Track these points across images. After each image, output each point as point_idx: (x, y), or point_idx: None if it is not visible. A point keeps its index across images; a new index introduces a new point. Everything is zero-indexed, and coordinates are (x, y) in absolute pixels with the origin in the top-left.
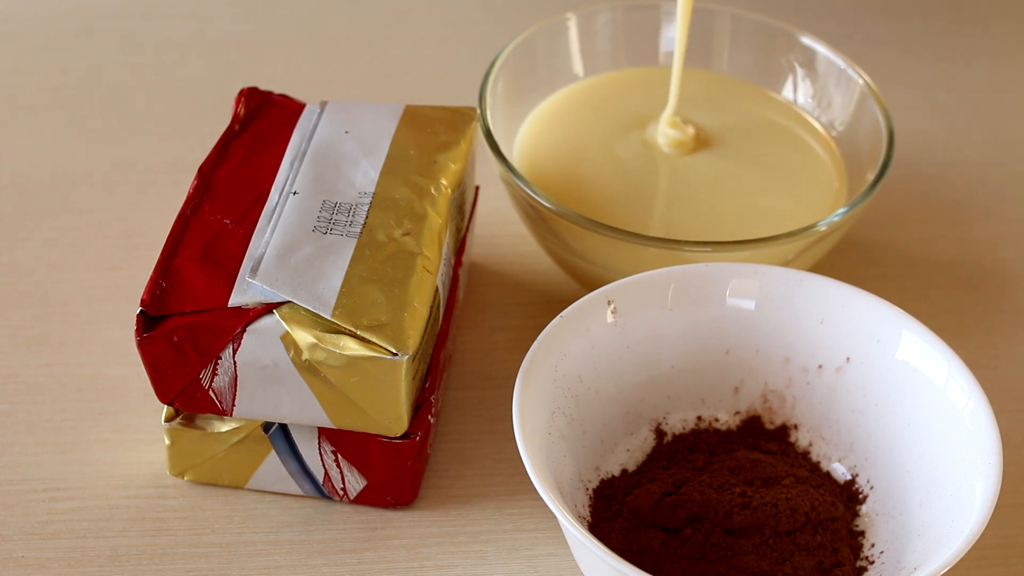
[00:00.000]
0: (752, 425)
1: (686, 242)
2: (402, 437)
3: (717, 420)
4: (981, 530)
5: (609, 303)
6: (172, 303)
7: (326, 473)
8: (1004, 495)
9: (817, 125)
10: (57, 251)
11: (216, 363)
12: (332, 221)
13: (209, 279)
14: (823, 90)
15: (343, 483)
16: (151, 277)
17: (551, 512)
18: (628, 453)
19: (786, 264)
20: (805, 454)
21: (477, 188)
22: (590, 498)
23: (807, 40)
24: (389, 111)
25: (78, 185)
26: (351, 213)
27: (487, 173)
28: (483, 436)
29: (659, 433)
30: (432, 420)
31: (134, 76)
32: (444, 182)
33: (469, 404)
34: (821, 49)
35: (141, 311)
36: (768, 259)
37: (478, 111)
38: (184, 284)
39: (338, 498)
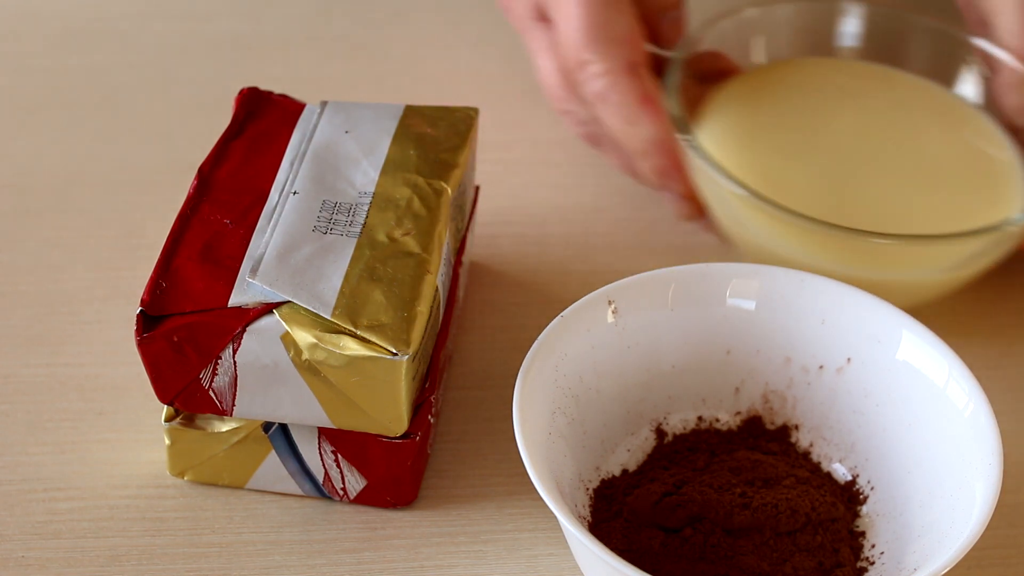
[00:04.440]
0: (753, 425)
1: (875, 233)
2: (402, 437)
3: (718, 420)
4: (981, 531)
5: (610, 303)
6: (172, 303)
7: (326, 473)
8: (1004, 495)
9: (999, 125)
10: (57, 251)
11: (216, 363)
12: (332, 221)
13: (209, 279)
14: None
15: (343, 483)
16: (151, 277)
17: (551, 512)
18: (629, 453)
19: (958, 268)
20: (806, 455)
21: (477, 188)
22: (590, 498)
23: (980, 43)
24: (389, 111)
25: (78, 185)
26: (351, 213)
27: (487, 173)
28: (483, 436)
29: (660, 433)
30: (432, 420)
31: (134, 76)
32: (444, 182)
33: (469, 404)
34: (997, 52)
35: (141, 311)
36: (941, 258)
37: (477, 111)
38: (184, 284)
39: (338, 498)
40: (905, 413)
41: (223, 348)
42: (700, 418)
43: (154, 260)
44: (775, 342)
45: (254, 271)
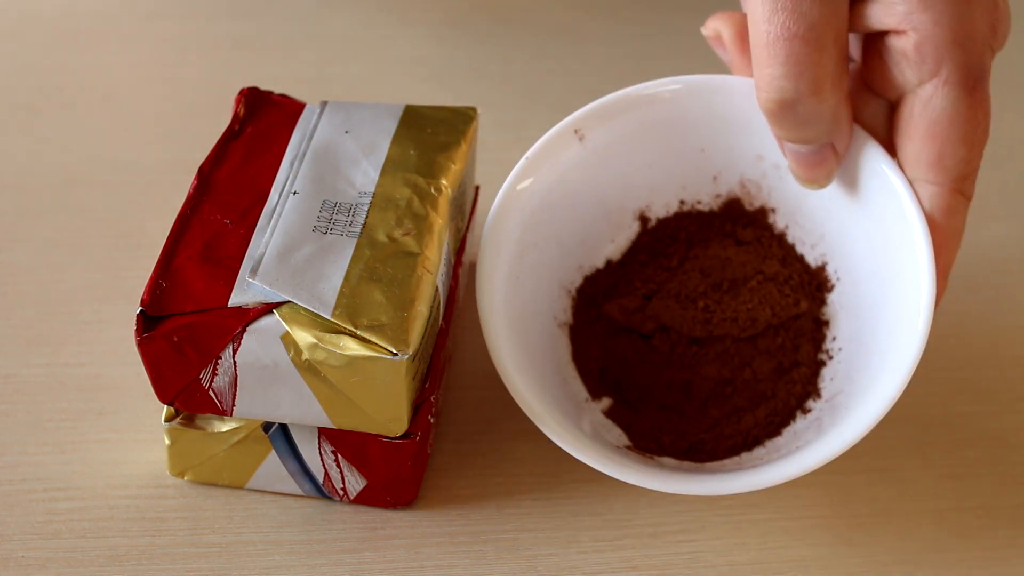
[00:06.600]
0: (732, 208)
1: None
2: (402, 437)
3: (699, 203)
4: (921, 349)
5: (576, 132)
6: (172, 303)
7: (326, 473)
8: (1004, 495)
9: None
10: (57, 251)
11: (216, 363)
12: (332, 221)
13: (209, 279)
14: None
15: (343, 483)
16: (151, 277)
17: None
18: (613, 244)
19: None
20: (781, 236)
21: (477, 188)
22: (573, 299)
23: None
24: (389, 111)
25: (78, 185)
26: (351, 213)
27: (487, 173)
28: (483, 436)
29: (643, 220)
30: (432, 420)
31: (134, 76)
32: (444, 182)
33: (469, 404)
34: None
35: (141, 311)
36: None
37: (477, 111)
38: (184, 284)
39: (338, 498)
40: (863, 219)
41: (223, 348)
42: (682, 202)
43: (154, 260)
44: (747, 141)
45: (254, 271)
